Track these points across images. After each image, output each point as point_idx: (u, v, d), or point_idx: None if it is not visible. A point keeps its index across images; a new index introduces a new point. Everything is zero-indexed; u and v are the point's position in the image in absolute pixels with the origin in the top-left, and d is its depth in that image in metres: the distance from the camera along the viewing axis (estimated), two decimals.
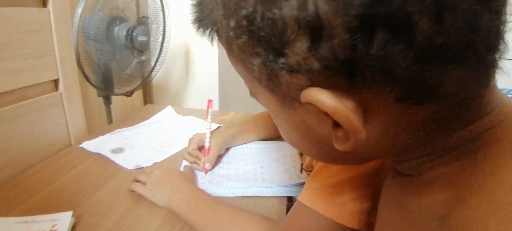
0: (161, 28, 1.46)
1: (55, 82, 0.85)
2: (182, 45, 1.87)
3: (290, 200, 0.70)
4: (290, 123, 0.28)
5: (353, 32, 0.18)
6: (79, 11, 1.08)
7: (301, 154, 0.73)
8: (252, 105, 0.56)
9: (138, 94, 1.80)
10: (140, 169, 0.72)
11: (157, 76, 1.61)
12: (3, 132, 0.71)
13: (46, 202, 0.63)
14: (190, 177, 0.69)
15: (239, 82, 0.57)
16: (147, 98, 1.89)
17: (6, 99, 0.72)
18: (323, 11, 0.18)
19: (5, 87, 0.71)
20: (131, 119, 1.10)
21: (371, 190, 0.43)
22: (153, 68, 1.49)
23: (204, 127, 1.02)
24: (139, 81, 1.46)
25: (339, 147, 0.24)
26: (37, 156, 0.79)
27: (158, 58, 1.49)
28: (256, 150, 0.88)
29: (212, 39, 0.48)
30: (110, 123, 1.42)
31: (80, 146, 0.85)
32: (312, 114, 0.25)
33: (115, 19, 1.24)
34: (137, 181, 0.67)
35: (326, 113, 0.22)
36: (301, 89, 0.22)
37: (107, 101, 1.38)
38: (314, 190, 0.46)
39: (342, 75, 0.20)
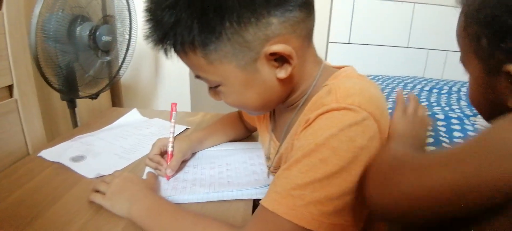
0: (127, 27, 1.42)
1: (9, 88, 0.81)
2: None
3: (258, 203, 0.69)
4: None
5: None
6: (37, 11, 1.03)
7: (268, 157, 0.73)
8: (224, 105, 0.57)
9: (106, 97, 1.75)
10: (101, 178, 0.69)
11: (126, 77, 1.56)
12: None
13: (3, 216, 0.60)
14: (152, 185, 0.67)
15: None
16: (116, 101, 1.84)
17: None
18: None
19: None
20: (96, 123, 1.07)
21: (335, 192, 0.43)
22: (119, 69, 1.44)
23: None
24: (105, 83, 1.42)
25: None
26: None
27: (124, 58, 1.45)
28: (223, 152, 0.87)
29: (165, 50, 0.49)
30: (75, 127, 1.37)
31: (39, 154, 0.82)
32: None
33: (77, 18, 1.20)
34: (97, 191, 0.65)
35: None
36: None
37: (71, 104, 1.33)
38: (276, 193, 0.46)
39: None
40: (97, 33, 1.21)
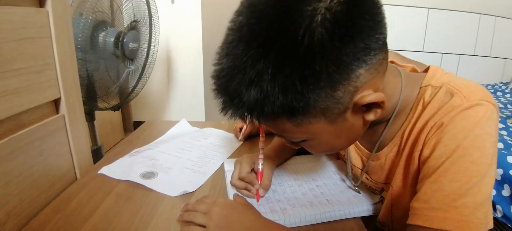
0: (148, 32, 1.30)
1: (55, 102, 0.68)
2: (163, 51, 1.70)
3: (364, 220, 0.62)
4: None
5: None
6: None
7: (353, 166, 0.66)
8: None
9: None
10: (191, 205, 0.58)
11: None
12: None
13: None
14: (254, 210, 0.58)
15: None
16: (125, 113, 1.69)
17: None
18: None
19: None
20: (142, 135, 0.96)
21: (489, 190, 0.44)
22: (140, 77, 1.32)
23: (231, 141, 0.92)
24: (125, 93, 1.29)
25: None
26: (41, 199, 0.62)
27: (144, 65, 1.33)
28: (298, 166, 0.78)
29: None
30: (94, 142, 1.23)
31: (100, 172, 0.70)
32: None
33: (101, 25, 1.08)
34: (190, 222, 0.54)
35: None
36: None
37: (90, 117, 1.20)
38: (434, 210, 0.44)
39: None
40: (125, 40, 1.09)
